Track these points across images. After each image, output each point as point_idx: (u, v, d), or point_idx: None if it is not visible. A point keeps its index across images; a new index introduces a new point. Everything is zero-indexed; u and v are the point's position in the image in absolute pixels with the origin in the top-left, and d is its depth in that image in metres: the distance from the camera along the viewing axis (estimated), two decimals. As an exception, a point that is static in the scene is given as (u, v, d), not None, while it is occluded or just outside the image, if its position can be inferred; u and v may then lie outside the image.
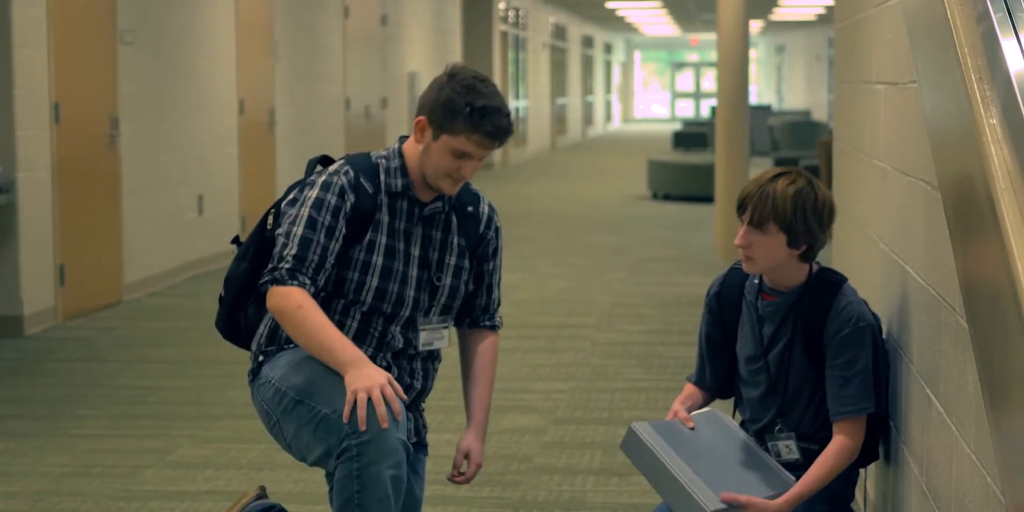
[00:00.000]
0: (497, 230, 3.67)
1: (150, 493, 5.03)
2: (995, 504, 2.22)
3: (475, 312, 3.68)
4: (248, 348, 3.66)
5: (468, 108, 3.37)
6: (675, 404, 3.57)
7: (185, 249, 10.39)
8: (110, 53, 9.18)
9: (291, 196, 3.51)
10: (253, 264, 3.54)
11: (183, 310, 9.04)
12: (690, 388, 3.66)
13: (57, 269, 8.46)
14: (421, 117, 3.46)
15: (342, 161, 3.53)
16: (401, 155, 3.51)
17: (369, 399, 3.18)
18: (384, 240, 3.47)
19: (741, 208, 3.38)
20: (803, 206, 3.32)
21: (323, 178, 3.47)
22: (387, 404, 3.19)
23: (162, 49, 10.07)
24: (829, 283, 3.41)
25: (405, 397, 3.27)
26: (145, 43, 9.70)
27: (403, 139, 3.56)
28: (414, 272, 3.51)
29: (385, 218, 3.48)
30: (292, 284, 3.34)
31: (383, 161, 3.51)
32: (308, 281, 3.35)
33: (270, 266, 3.39)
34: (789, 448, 3.45)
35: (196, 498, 4.97)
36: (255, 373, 3.52)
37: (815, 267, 3.44)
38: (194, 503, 4.91)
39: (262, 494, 3.76)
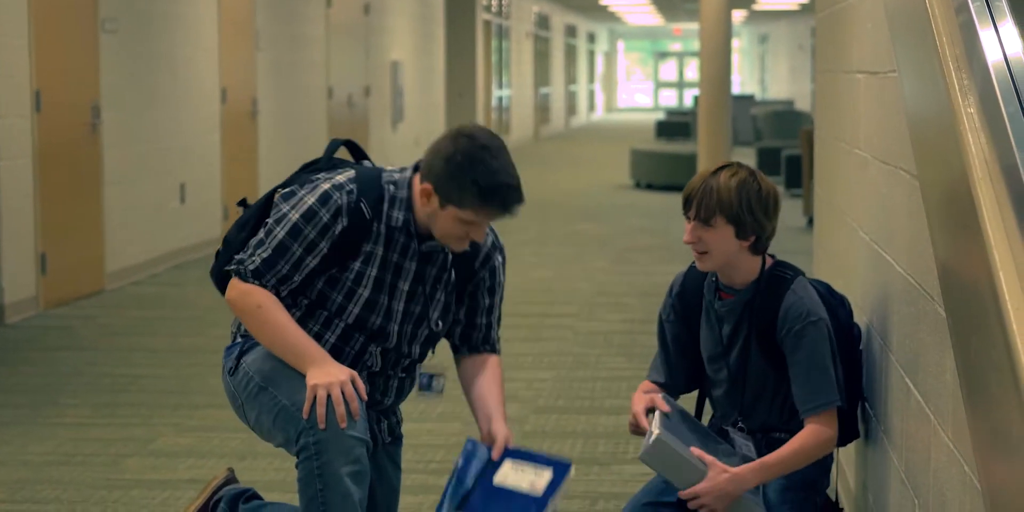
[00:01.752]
0: (494, 269, 3.53)
1: (132, 482, 5.03)
2: (972, 492, 2.23)
3: (472, 340, 3.59)
4: None
5: (475, 187, 3.24)
6: (638, 404, 3.45)
7: (167, 238, 10.38)
8: (92, 41, 9.15)
9: (296, 183, 3.42)
10: (251, 234, 3.47)
11: (165, 299, 9.03)
12: (648, 385, 3.58)
13: (38, 258, 8.44)
14: (427, 185, 3.30)
15: (351, 174, 3.38)
16: (410, 187, 3.38)
17: (329, 397, 3.17)
18: (374, 273, 3.38)
19: (687, 205, 3.38)
20: (747, 196, 3.33)
21: (325, 188, 3.33)
22: (346, 403, 3.17)
23: (144, 38, 10.05)
24: (780, 279, 3.41)
25: (365, 396, 3.24)
26: (127, 32, 9.68)
27: (417, 167, 3.40)
28: (400, 306, 3.43)
29: (379, 250, 3.37)
30: (254, 283, 3.32)
31: (391, 187, 3.37)
32: (268, 288, 3.33)
33: (240, 255, 3.36)
34: (748, 446, 3.46)
35: (178, 487, 4.97)
36: (235, 363, 3.46)
37: (769, 261, 3.44)
38: (176, 491, 4.92)
39: (231, 478, 3.77)
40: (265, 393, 3.33)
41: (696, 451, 3.27)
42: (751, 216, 3.33)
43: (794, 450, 3.31)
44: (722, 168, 3.40)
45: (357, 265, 3.37)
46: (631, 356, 7.18)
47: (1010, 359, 1.94)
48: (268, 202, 3.49)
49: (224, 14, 11.53)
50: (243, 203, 3.61)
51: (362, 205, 3.33)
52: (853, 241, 4.03)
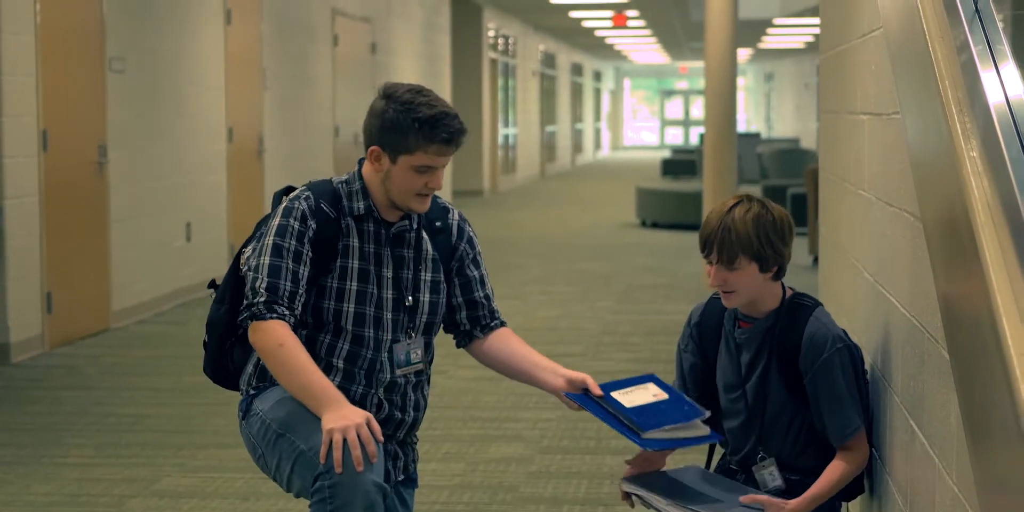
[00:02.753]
0: (470, 239, 3.63)
1: (135, 522, 5.02)
2: (977, 536, 2.22)
3: (483, 321, 3.64)
4: (238, 390, 3.64)
5: (416, 123, 3.36)
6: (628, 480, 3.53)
7: (173, 276, 10.39)
8: (99, 80, 9.19)
9: (257, 235, 3.50)
10: (232, 306, 3.51)
11: (171, 338, 9.03)
12: None
13: (44, 296, 8.45)
14: (373, 147, 3.43)
15: (303, 188, 3.51)
16: (361, 177, 3.49)
17: (345, 440, 3.16)
18: (356, 265, 3.45)
19: (707, 248, 3.40)
20: (764, 230, 3.36)
21: (284, 206, 3.45)
22: (363, 446, 3.16)
23: (151, 77, 10.09)
24: (802, 306, 3.44)
25: (381, 438, 3.23)
26: (134, 71, 9.72)
27: (362, 162, 3.53)
28: (388, 294, 3.48)
29: (355, 242, 3.45)
30: (271, 318, 3.31)
31: (343, 186, 3.49)
32: (287, 311, 3.33)
33: (246, 302, 3.36)
34: (772, 475, 3.47)
35: (181, 527, 4.95)
36: (247, 409, 3.49)
37: (788, 292, 3.47)
38: (179, 532, 4.90)
39: None
40: (283, 439, 3.33)
41: (746, 498, 3.33)
42: (771, 249, 3.37)
43: (838, 477, 3.36)
44: (735, 205, 3.41)
45: (338, 262, 3.43)
46: (636, 395, 7.15)
47: (1013, 403, 1.94)
48: (236, 269, 3.53)
49: (231, 52, 11.58)
50: (213, 285, 3.65)
51: (323, 205, 3.44)
52: (857, 281, 4.02)
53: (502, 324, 3.67)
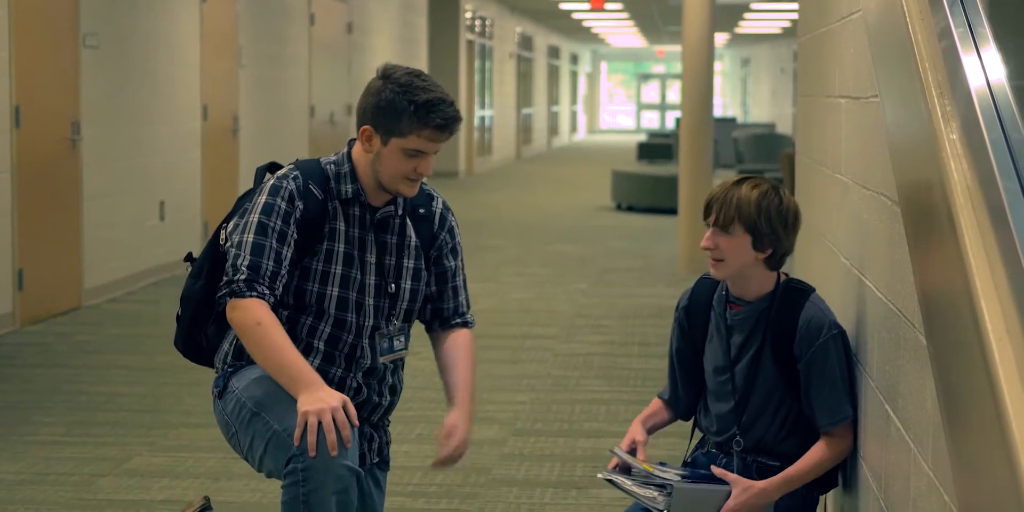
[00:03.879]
0: (452, 229, 3.60)
1: (105, 502, 4.99)
2: (951, 521, 2.21)
3: (444, 313, 3.62)
4: (210, 365, 3.61)
5: (412, 106, 3.32)
6: (635, 422, 3.59)
7: (146, 255, 10.33)
8: (73, 57, 9.12)
9: (240, 210, 3.46)
10: (208, 281, 3.48)
11: (143, 316, 8.98)
12: (656, 405, 3.66)
13: (16, 273, 8.39)
14: (366, 126, 3.39)
15: (291, 166, 3.46)
16: (351, 160, 3.45)
17: (320, 424, 3.13)
18: (342, 248, 3.42)
19: (707, 211, 3.43)
20: (767, 209, 3.37)
21: (271, 183, 3.40)
22: (338, 430, 3.12)
23: (126, 54, 10.02)
24: (798, 291, 3.44)
25: (357, 422, 3.19)
26: (109, 47, 9.65)
27: (352, 143, 3.49)
28: (371, 280, 3.46)
29: (341, 226, 3.42)
30: (251, 295, 3.27)
31: (332, 167, 3.45)
32: (267, 291, 3.29)
33: (225, 278, 3.32)
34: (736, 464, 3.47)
35: (152, 507, 4.93)
36: (222, 387, 3.46)
37: (783, 277, 3.46)
38: (149, 512, 4.87)
39: (206, 505, 3.72)
40: (258, 419, 3.29)
41: (717, 471, 3.36)
42: (769, 227, 3.36)
43: (816, 462, 3.35)
44: (745, 179, 3.44)
45: (324, 245, 3.40)
46: (610, 379, 7.16)
47: (991, 389, 1.92)
48: (215, 245, 3.50)
49: (206, 31, 11.51)
50: (189, 258, 3.61)
51: (311, 186, 3.40)
52: (833, 265, 4.01)
53: (464, 325, 3.62)
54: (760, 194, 3.38)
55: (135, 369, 7.29)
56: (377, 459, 3.56)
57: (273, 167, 3.60)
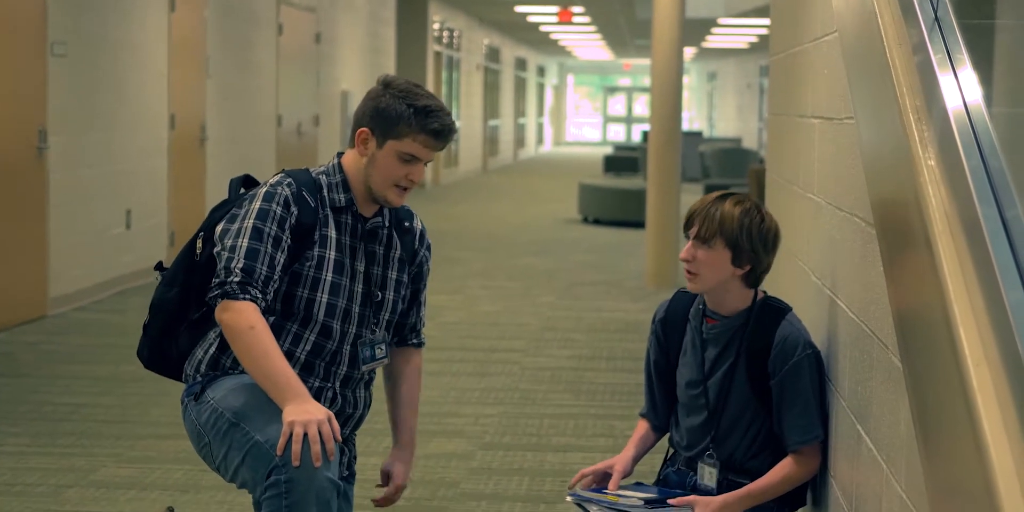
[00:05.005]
0: (428, 247, 3.68)
1: (71, 513, 4.96)
2: (925, 543, 2.23)
3: (404, 330, 3.68)
4: (174, 376, 3.60)
5: (411, 109, 3.38)
6: (625, 448, 3.62)
7: (112, 264, 10.29)
8: (40, 64, 9.08)
9: (226, 215, 3.45)
10: (183, 290, 3.47)
11: (109, 326, 8.94)
12: (642, 427, 3.69)
13: (-19, 282, 8.34)
14: (363, 129, 3.44)
15: (282, 174, 3.48)
16: (342, 170, 3.49)
17: (305, 435, 3.13)
18: (333, 255, 3.44)
19: (688, 223, 3.46)
20: (749, 226, 3.40)
21: (265, 189, 3.42)
22: (322, 442, 3.13)
23: (93, 62, 9.98)
24: (774, 309, 3.46)
25: (340, 437, 3.19)
26: (76, 55, 9.61)
27: (340, 155, 3.53)
28: (359, 288, 3.49)
29: (332, 233, 3.45)
30: (244, 298, 3.26)
31: (323, 177, 3.48)
32: (259, 295, 3.29)
33: (218, 280, 3.30)
34: (711, 475, 3.49)
35: (118, 519, 4.90)
36: (197, 394, 3.44)
37: (760, 294, 3.49)
38: (116, 524, 4.85)
39: None
40: (237, 429, 3.28)
41: (676, 501, 3.37)
42: (750, 245, 3.39)
43: (780, 479, 3.37)
44: (729, 195, 3.47)
45: (316, 251, 3.43)
46: (578, 393, 7.16)
47: (968, 411, 1.94)
48: (190, 254, 3.49)
49: (174, 39, 11.48)
50: (160, 267, 3.60)
51: (304, 193, 3.43)
52: (804, 284, 4.04)
53: (419, 345, 3.72)
54: (743, 211, 3.40)
55: (101, 379, 7.25)
56: (347, 473, 3.57)
57: (248, 180, 3.60)
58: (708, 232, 3.39)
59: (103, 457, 5.72)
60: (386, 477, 3.67)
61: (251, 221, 3.35)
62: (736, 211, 3.40)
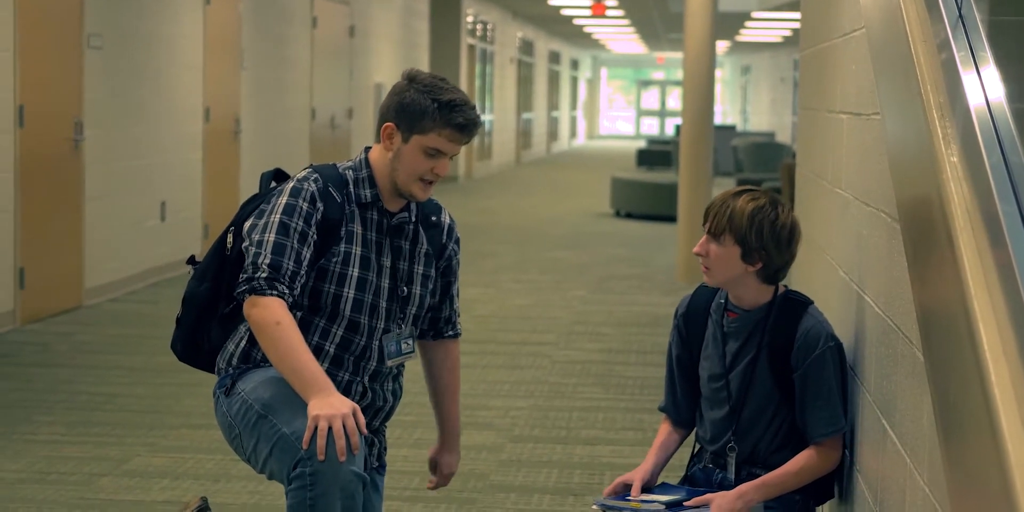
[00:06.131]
0: (457, 240, 3.70)
1: (105, 502, 5.02)
2: (945, 536, 2.25)
3: (439, 323, 3.71)
4: (206, 368, 3.65)
5: (435, 104, 3.41)
6: (648, 455, 3.62)
7: (147, 255, 10.37)
8: (77, 57, 9.16)
9: (255, 210, 3.49)
10: (214, 284, 3.51)
11: (143, 317, 9.02)
12: (664, 430, 3.67)
13: (17, 272, 8.43)
14: (388, 124, 3.46)
15: (309, 169, 3.51)
16: (368, 165, 3.51)
17: (330, 429, 3.16)
18: (359, 251, 3.47)
19: (705, 217, 3.48)
20: (760, 223, 3.39)
21: (292, 185, 3.45)
22: (347, 436, 3.15)
23: (129, 55, 10.06)
24: (796, 302, 3.47)
25: (365, 431, 3.23)
26: (112, 48, 9.69)
27: (368, 149, 3.55)
28: (385, 283, 3.51)
29: (358, 229, 3.48)
30: (272, 294, 3.29)
31: (350, 172, 3.51)
32: (287, 290, 3.32)
33: (245, 275, 3.33)
34: (733, 468, 3.51)
35: (152, 508, 4.96)
36: (228, 388, 3.48)
37: (782, 289, 3.50)
38: (149, 513, 4.91)
39: (203, 505, 3.76)
40: (265, 421, 3.31)
41: (693, 501, 3.39)
42: (759, 242, 3.39)
43: (798, 469, 3.38)
44: (746, 191, 3.47)
45: (342, 247, 3.46)
46: (607, 387, 7.20)
47: (987, 407, 1.97)
48: (221, 248, 3.53)
49: (209, 33, 11.54)
50: (192, 261, 3.64)
51: (330, 189, 3.46)
52: (832, 279, 4.05)
53: (455, 336, 3.76)
54: (756, 208, 3.40)
55: (135, 369, 7.32)
56: (377, 464, 3.61)
57: (279, 174, 3.64)
58: (718, 227, 3.41)
59: (136, 446, 5.78)
60: (434, 466, 3.74)
61: (278, 216, 3.38)
62: (749, 207, 3.39)
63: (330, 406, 3.17)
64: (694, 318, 3.60)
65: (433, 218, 3.64)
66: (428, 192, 3.51)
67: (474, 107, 3.48)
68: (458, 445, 3.77)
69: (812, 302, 3.51)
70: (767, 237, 3.39)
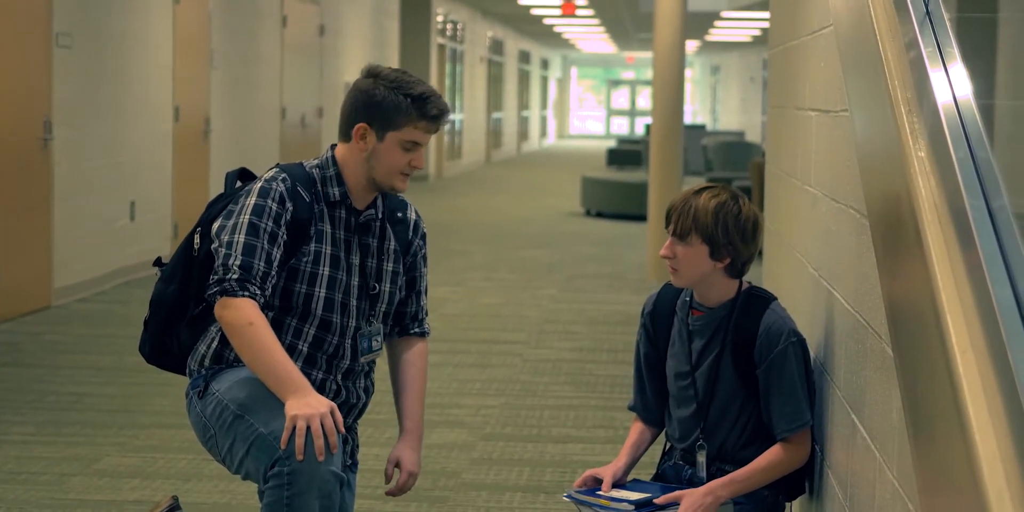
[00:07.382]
0: (423, 236, 3.69)
1: (76, 502, 5.00)
2: (914, 529, 2.27)
3: (405, 319, 3.69)
4: (176, 370, 3.64)
5: (408, 99, 3.42)
6: (620, 454, 3.61)
7: (116, 255, 10.33)
8: (45, 56, 9.12)
9: (223, 211, 3.47)
10: (182, 286, 3.51)
11: (112, 316, 8.99)
12: (636, 429, 3.68)
13: (-15, 273, 8.38)
14: (360, 124, 3.45)
15: (276, 169, 3.50)
16: (336, 163, 3.51)
17: (308, 428, 3.16)
18: (329, 250, 3.47)
19: (667, 220, 3.48)
20: (724, 218, 3.40)
21: (260, 185, 3.43)
22: (325, 436, 3.15)
23: (98, 53, 10.02)
24: (758, 299, 3.49)
25: (343, 429, 3.23)
26: (81, 47, 9.65)
27: (334, 147, 3.54)
28: (355, 281, 3.51)
29: (327, 228, 3.47)
30: (243, 295, 3.29)
31: (317, 171, 3.50)
32: (258, 291, 3.32)
33: (215, 277, 3.33)
34: (703, 466, 3.52)
35: (122, 508, 4.95)
36: (201, 389, 3.47)
37: (745, 284, 3.52)
38: (119, 512, 4.89)
39: (175, 505, 3.75)
40: (241, 421, 3.31)
41: (662, 499, 3.40)
42: (726, 238, 3.40)
43: (766, 465, 3.39)
44: (705, 188, 3.48)
45: (312, 246, 3.45)
46: (579, 385, 7.21)
47: (955, 401, 1.98)
48: (188, 249, 3.52)
49: (179, 32, 11.51)
50: (159, 263, 3.63)
51: (299, 188, 3.45)
52: (801, 275, 4.07)
53: (422, 334, 3.72)
54: (718, 204, 3.41)
55: (105, 369, 7.30)
56: (350, 462, 3.60)
57: (244, 173, 3.63)
58: (683, 229, 3.41)
59: (107, 446, 5.76)
60: (395, 465, 3.66)
61: (247, 217, 3.37)
62: (711, 204, 3.40)
63: (308, 405, 3.17)
64: (660, 316, 3.61)
65: (399, 214, 3.63)
66: (407, 182, 3.53)
67: (441, 96, 3.50)
68: (419, 443, 3.68)
69: (775, 298, 3.53)
70: (733, 232, 3.41)
